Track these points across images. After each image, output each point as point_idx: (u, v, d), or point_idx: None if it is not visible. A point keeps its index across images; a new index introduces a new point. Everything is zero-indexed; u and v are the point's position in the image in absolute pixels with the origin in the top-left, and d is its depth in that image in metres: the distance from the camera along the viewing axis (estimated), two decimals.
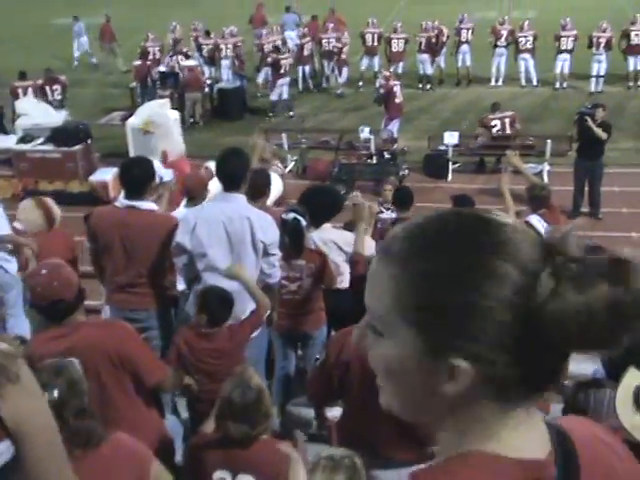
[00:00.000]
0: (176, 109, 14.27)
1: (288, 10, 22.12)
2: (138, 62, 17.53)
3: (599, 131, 10.06)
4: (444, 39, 18.58)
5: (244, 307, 4.75)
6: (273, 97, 16.88)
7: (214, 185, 5.80)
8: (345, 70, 18.74)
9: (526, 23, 18.33)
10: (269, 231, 4.85)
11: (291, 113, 16.84)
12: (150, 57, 17.84)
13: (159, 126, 12.21)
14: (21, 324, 6.09)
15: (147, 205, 5.15)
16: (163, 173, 6.79)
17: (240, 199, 4.87)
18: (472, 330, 0.95)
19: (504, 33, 18.24)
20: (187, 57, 17.36)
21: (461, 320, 0.96)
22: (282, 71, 16.75)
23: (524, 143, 12.50)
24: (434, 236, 1.01)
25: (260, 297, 4.58)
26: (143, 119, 12.36)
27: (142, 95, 16.69)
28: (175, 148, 12.14)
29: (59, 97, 15.72)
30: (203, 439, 3.51)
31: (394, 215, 7.89)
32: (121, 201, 5.22)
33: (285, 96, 17.06)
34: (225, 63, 18.28)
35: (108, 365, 3.48)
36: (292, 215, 5.29)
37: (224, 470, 3.27)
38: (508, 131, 12.59)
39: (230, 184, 4.85)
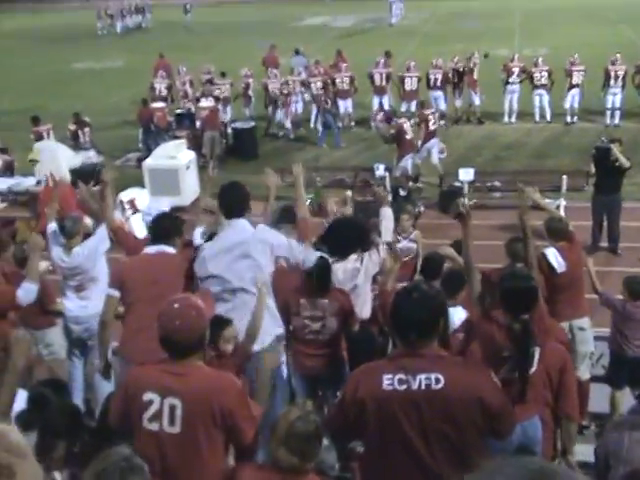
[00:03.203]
0: (192, 149, 14.53)
1: (297, 53, 22.60)
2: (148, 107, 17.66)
3: (624, 159, 10.05)
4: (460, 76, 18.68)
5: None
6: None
7: None
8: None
9: (540, 59, 18.37)
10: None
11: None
12: (157, 99, 18.34)
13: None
14: None
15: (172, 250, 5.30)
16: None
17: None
18: None
19: (516, 70, 18.30)
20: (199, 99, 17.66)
21: None
22: None
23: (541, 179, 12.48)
24: None
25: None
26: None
27: (145, 139, 17.01)
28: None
29: (88, 139, 16.34)
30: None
31: (411, 245, 7.95)
32: (150, 248, 5.34)
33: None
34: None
35: (208, 419, 3.41)
36: (318, 254, 5.27)
37: None
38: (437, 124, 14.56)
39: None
